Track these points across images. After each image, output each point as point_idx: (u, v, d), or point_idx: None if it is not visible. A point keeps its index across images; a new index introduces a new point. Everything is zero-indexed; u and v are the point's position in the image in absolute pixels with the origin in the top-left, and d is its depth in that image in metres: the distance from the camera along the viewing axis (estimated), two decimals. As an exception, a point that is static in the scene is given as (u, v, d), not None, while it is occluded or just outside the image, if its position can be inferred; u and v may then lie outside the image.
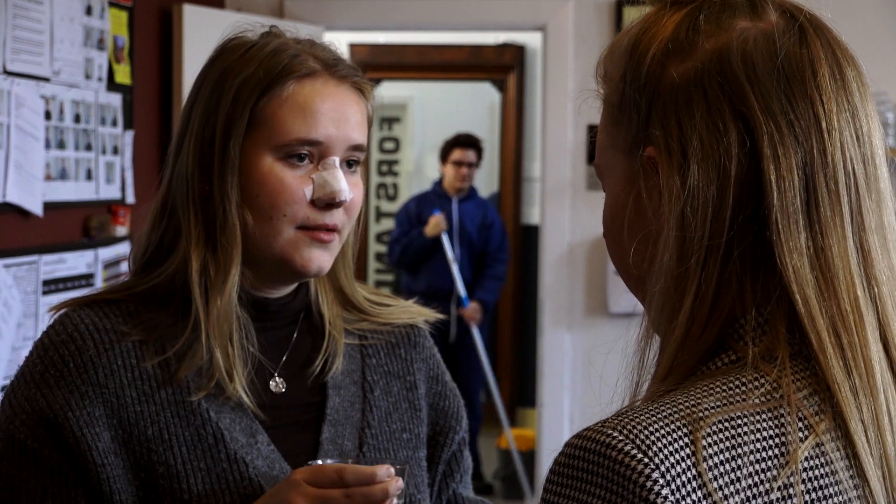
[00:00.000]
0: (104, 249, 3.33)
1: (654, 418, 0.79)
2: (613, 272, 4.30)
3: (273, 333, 1.38)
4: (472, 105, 7.38)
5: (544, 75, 4.45)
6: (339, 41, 6.51)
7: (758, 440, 0.79)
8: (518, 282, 6.90)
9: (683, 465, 0.77)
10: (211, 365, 1.29)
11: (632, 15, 4.21)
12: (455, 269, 5.51)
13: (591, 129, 4.27)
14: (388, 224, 7.61)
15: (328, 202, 1.29)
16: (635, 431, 0.78)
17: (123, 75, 3.46)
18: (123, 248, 3.39)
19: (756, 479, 0.78)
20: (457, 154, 5.69)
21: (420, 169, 7.70)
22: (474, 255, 5.68)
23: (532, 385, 4.83)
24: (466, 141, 5.72)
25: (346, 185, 1.30)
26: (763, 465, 0.79)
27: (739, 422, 0.80)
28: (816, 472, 0.81)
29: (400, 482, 1.20)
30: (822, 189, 0.84)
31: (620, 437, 0.78)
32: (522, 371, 6.61)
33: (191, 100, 1.33)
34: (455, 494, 1.52)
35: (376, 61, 6.95)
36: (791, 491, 0.79)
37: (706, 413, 0.79)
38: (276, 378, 1.37)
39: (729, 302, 0.85)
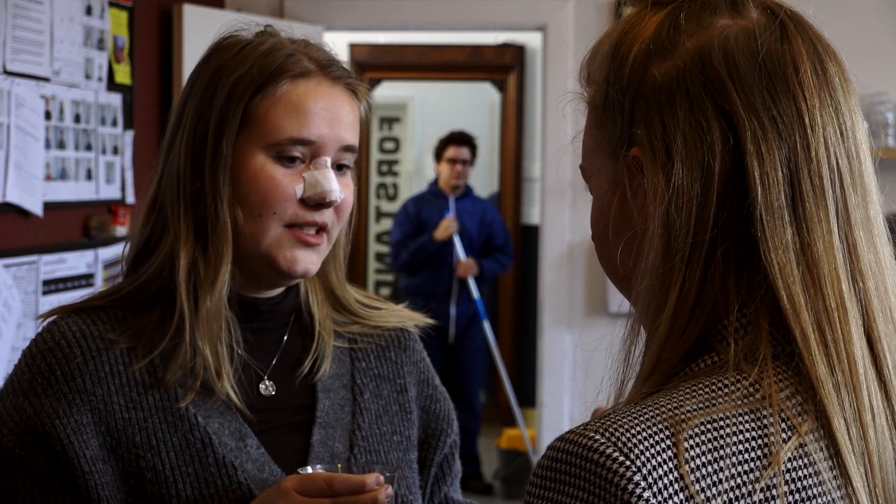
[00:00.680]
0: (104, 249, 3.33)
1: (636, 421, 0.79)
2: (613, 272, 4.30)
3: (263, 335, 1.38)
4: (472, 105, 7.38)
5: (544, 75, 4.45)
6: (339, 41, 6.53)
7: (740, 442, 0.79)
8: (518, 282, 6.90)
9: (665, 467, 0.77)
10: (195, 364, 1.29)
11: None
12: (471, 280, 5.52)
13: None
14: (387, 224, 7.61)
15: (318, 202, 1.29)
16: (617, 434, 0.78)
17: (123, 75, 3.46)
18: (122, 250, 3.39)
19: (738, 480, 0.78)
20: (451, 151, 5.69)
21: (420, 169, 7.70)
22: (474, 253, 5.68)
23: (532, 385, 4.84)
24: (460, 138, 5.73)
25: (337, 185, 1.30)
26: (745, 466, 0.79)
27: (721, 423, 0.80)
28: (799, 472, 0.81)
29: (389, 489, 1.21)
30: (806, 184, 0.84)
31: (602, 441, 0.78)
32: (522, 371, 6.61)
33: (184, 96, 1.33)
34: (447, 498, 1.53)
35: (376, 61, 6.96)
36: (774, 492, 0.79)
37: (688, 415, 0.79)
38: (266, 381, 1.37)
39: (712, 299, 0.85)
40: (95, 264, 3.28)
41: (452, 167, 5.68)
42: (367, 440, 1.39)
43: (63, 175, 3.12)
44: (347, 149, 1.33)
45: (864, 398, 0.83)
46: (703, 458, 0.78)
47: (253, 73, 1.28)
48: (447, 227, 5.51)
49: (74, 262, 3.17)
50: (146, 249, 1.34)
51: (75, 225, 3.25)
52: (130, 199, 3.48)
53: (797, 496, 0.80)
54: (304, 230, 1.30)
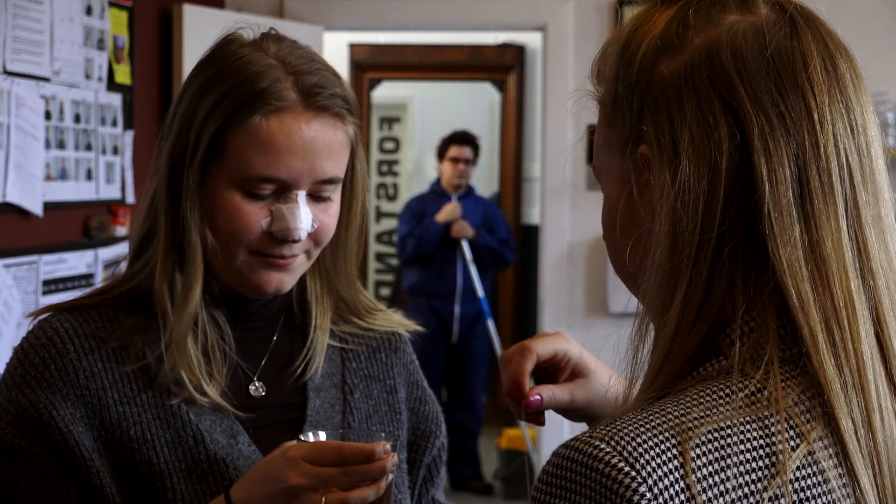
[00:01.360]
0: (104, 249, 3.33)
1: (642, 429, 0.78)
2: (613, 272, 4.30)
3: (253, 334, 1.38)
4: (472, 105, 7.39)
5: (544, 75, 4.45)
6: (339, 41, 6.53)
7: (746, 451, 0.79)
8: (518, 282, 6.90)
9: (671, 477, 0.76)
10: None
11: (631, 15, 4.21)
12: (473, 270, 5.51)
13: (592, 130, 4.27)
14: (388, 224, 7.62)
15: (283, 237, 1.28)
16: (623, 443, 0.77)
17: (123, 75, 3.46)
18: (123, 248, 3.39)
19: (746, 490, 0.78)
20: (453, 151, 5.70)
21: (420, 169, 7.71)
22: (476, 251, 5.67)
23: (532, 385, 4.83)
24: (462, 137, 5.73)
25: (304, 224, 1.28)
26: (752, 475, 0.78)
27: (728, 432, 0.79)
28: (807, 481, 0.80)
29: (395, 458, 1.20)
30: (814, 181, 0.84)
31: (608, 449, 0.77)
32: (522, 371, 6.60)
33: (177, 100, 1.32)
34: (434, 500, 1.53)
35: (376, 61, 6.96)
36: (782, 501, 0.78)
37: (695, 423, 0.78)
38: (256, 382, 1.36)
39: (719, 297, 0.84)
40: (95, 264, 3.28)
41: (455, 166, 5.68)
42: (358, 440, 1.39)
43: (63, 175, 3.12)
44: (326, 181, 1.30)
45: (872, 399, 0.82)
46: (710, 468, 0.77)
47: (228, 101, 1.25)
48: (451, 210, 5.51)
49: (74, 262, 3.17)
50: (142, 247, 1.34)
51: (75, 225, 3.25)
52: (130, 199, 3.48)
53: None
54: (272, 256, 1.30)
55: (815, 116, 0.84)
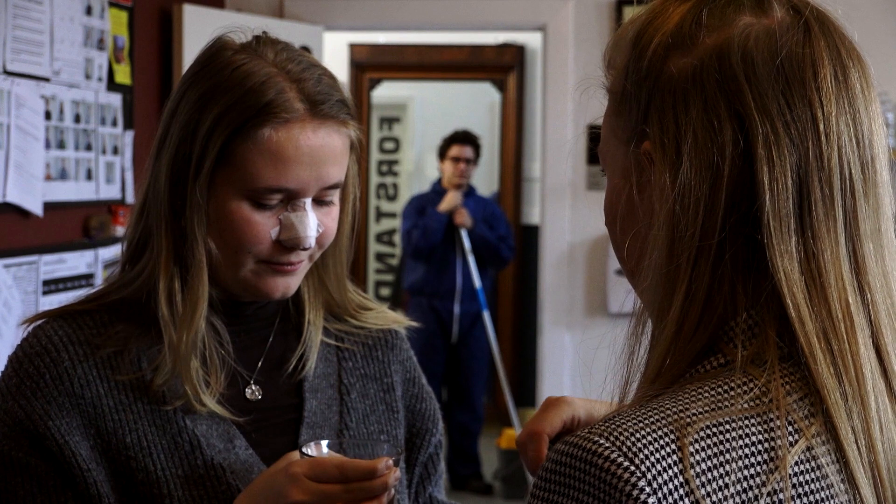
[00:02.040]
0: (104, 249, 3.33)
1: (640, 424, 0.78)
2: (613, 272, 4.31)
3: (248, 337, 1.37)
4: (472, 105, 7.39)
5: (544, 75, 4.45)
6: (339, 41, 6.53)
7: (745, 445, 0.79)
8: (518, 282, 6.90)
9: (670, 472, 0.76)
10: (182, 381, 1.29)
11: (632, 15, 4.20)
12: (472, 260, 5.52)
13: (592, 128, 4.26)
14: (387, 224, 7.62)
15: (292, 245, 1.28)
16: (622, 438, 0.77)
17: (123, 75, 3.46)
18: (120, 250, 3.39)
19: (744, 484, 0.78)
20: (454, 150, 5.70)
21: (420, 169, 7.71)
22: (478, 251, 5.68)
23: (532, 385, 4.84)
24: (464, 137, 5.73)
25: (312, 231, 1.28)
26: (751, 470, 0.78)
27: (727, 427, 0.79)
28: (806, 476, 0.80)
29: (398, 472, 1.20)
30: (815, 193, 0.83)
31: (607, 445, 0.77)
32: (522, 371, 6.62)
33: (171, 111, 1.30)
34: (431, 498, 1.53)
35: (376, 61, 6.95)
36: (780, 496, 0.78)
37: (693, 419, 0.79)
38: (252, 386, 1.36)
39: (721, 303, 0.84)
40: (95, 264, 3.29)
41: (456, 166, 5.69)
42: (355, 440, 1.39)
43: (63, 175, 3.12)
44: (331, 186, 1.31)
45: (871, 409, 0.83)
46: (709, 463, 0.77)
47: (234, 113, 1.24)
48: (452, 198, 5.51)
49: (74, 262, 3.17)
50: (136, 254, 1.34)
51: (75, 225, 3.25)
52: (130, 199, 3.48)
53: (804, 500, 0.80)
54: (279, 264, 1.30)
55: (821, 127, 0.84)
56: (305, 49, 1.36)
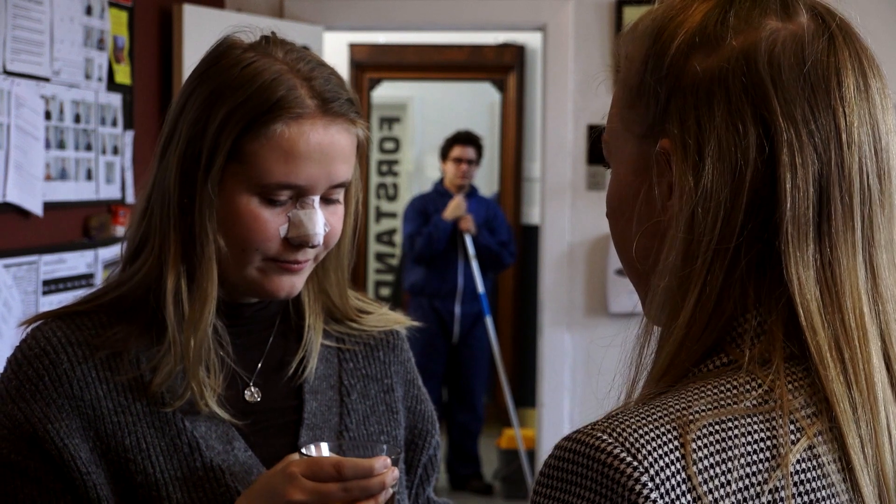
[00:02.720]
0: (104, 249, 3.33)
1: (643, 421, 0.79)
2: (613, 272, 4.31)
3: (248, 339, 1.37)
4: (472, 105, 7.39)
5: (544, 75, 4.45)
6: (339, 41, 6.53)
7: (748, 443, 0.79)
8: (518, 282, 6.90)
9: (673, 468, 0.76)
10: (184, 379, 1.28)
11: (632, 15, 4.21)
12: (475, 266, 5.52)
13: (592, 129, 4.26)
14: (387, 224, 7.62)
15: (301, 243, 1.28)
16: (625, 434, 0.77)
17: (123, 75, 3.46)
18: (119, 250, 3.39)
19: (747, 482, 0.78)
20: (457, 151, 5.70)
21: (420, 169, 7.71)
22: (479, 250, 5.68)
23: (532, 385, 4.84)
24: (466, 138, 5.74)
25: (321, 229, 1.28)
26: (753, 468, 0.78)
27: (730, 424, 0.79)
28: (807, 475, 0.80)
29: (396, 472, 1.20)
30: (836, 202, 0.83)
31: (610, 440, 0.77)
32: (522, 371, 6.62)
33: (177, 110, 1.30)
34: (429, 499, 1.53)
35: (376, 61, 6.96)
36: (781, 494, 0.79)
37: (696, 416, 0.79)
38: (252, 388, 1.36)
39: (731, 306, 0.84)
40: (95, 264, 3.29)
41: (458, 166, 5.69)
42: (356, 441, 1.39)
43: (63, 175, 3.12)
44: (339, 185, 1.31)
45: (881, 419, 0.83)
46: (711, 459, 0.78)
47: (245, 108, 1.24)
48: (456, 206, 5.51)
49: (74, 262, 3.17)
50: (136, 254, 1.33)
51: (75, 225, 3.25)
52: (130, 199, 3.48)
53: (805, 498, 0.80)
54: (286, 262, 1.30)
55: (844, 137, 0.84)
56: (305, 49, 1.36)
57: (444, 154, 5.75)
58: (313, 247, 1.29)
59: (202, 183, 1.26)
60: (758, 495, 0.78)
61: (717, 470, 0.77)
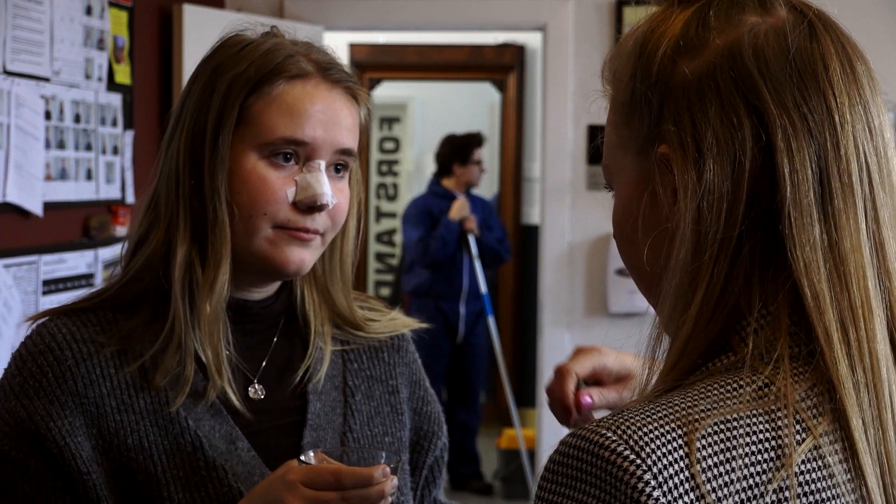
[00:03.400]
0: (104, 249, 3.33)
1: (648, 419, 0.79)
2: (613, 272, 4.30)
3: (252, 337, 1.37)
4: (472, 105, 7.38)
5: (544, 75, 4.45)
6: (339, 41, 6.53)
7: (752, 443, 0.79)
8: (518, 282, 6.90)
9: (677, 466, 0.77)
10: (185, 367, 1.28)
11: (632, 15, 4.21)
12: (478, 265, 5.53)
13: (592, 130, 4.27)
14: (388, 224, 7.62)
15: (310, 205, 1.28)
16: (629, 432, 0.78)
17: (123, 75, 3.46)
18: (120, 249, 3.39)
19: (751, 481, 0.78)
20: (476, 154, 5.74)
21: (420, 169, 7.70)
22: (480, 249, 5.69)
23: (532, 385, 4.83)
24: (481, 139, 5.80)
25: (329, 189, 1.29)
26: (758, 467, 0.79)
27: (734, 424, 0.79)
28: (812, 475, 0.80)
29: (395, 480, 1.20)
30: (835, 182, 0.84)
31: (614, 438, 0.78)
32: (522, 371, 6.62)
33: (184, 94, 1.32)
34: (436, 501, 1.53)
35: (376, 61, 6.95)
36: (786, 494, 0.79)
37: (702, 415, 0.79)
38: (255, 385, 1.36)
39: (735, 295, 0.85)
40: (95, 264, 3.28)
41: (479, 167, 5.75)
42: (359, 442, 1.39)
43: (63, 175, 3.12)
44: (344, 152, 1.32)
45: (885, 398, 0.83)
46: (715, 459, 0.78)
47: (250, 72, 1.27)
48: (461, 206, 5.52)
49: (74, 262, 3.17)
50: (138, 248, 1.33)
51: (75, 225, 3.25)
52: (130, 199, 3.48)
53: (810, 498, 0.80)
54: (296, 230, 1.29)
55: (836, 118, 0.85)
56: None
57: (465, 157, 5.72)
58: (321, 208, 1.29)
59: (211, 147, 1.27)
60: (762, 495, 0.78)
61: (721, 469, 0.78)
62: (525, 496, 5.40)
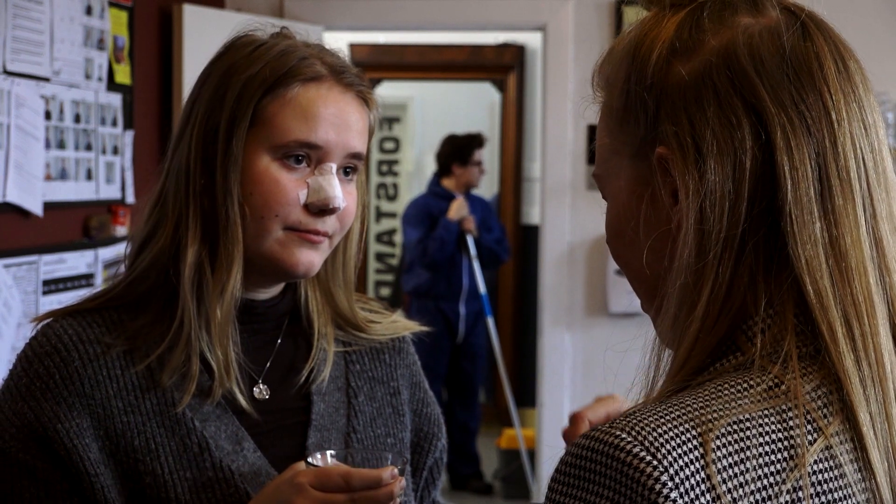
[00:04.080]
0: (104, 249, 3.33)
1: (663, 420, 0.79)
2: (613, 272, 4.30)
3: (257, 337, 1.37)
4: (472, 105, 7.38)
5: (544, 75, 4.45)
6: (339, 41, 6.52)
7: (765, 443, 0.79)
8: (518, 282, 6.90)
9: (693, 467, 0.76)
10: (191, 367, 1.28)
11: (631, 15, 4.21)
12: (476, 266, 5.54)
13: (592, 130, 4.26)
14: (387, 224, 7.62)
15: (321, 208, 1.29)
16: (644, 433, 0.77)
17: (123, 75, 3.46)
18: (123, 248, 3.39)
19: (765, 481, 0.78)
20: (477, 154, 5.75)
21: (420, 169, 7.70)
22: (479, 249, 5.69)
23: (532, 385, 4.83)
24: (481, 140, 5.80)
25: (340, 192, 1.29)
26: (771, 467, 0.79)
27: (747, 424, 0.79)
28: (824, 475, 0.81)
29: (403, 482, 1.20)
30: (834, 179, 0.85)
31: (629, 439, 0.77)
32: (522, 371, 6.62)
33: (194, 94, 1.32)
34: (434, 502, 1.53)
35: (376, 61, 6.95)
36: (800, 494, 0.79)
37: (715, 415, 0.79)
38: (260, 385, 1.36)
39: (741, 294, 0.85)
40: (95, 264, 3.28)
41: (480, 167, 5.75)
42: (362, 443, 1.39)
43: (63, 175, 3.12)
44: (354, 156, 1.32)
45: (890, 393, 0.84)
46: (730, 459, 0.78)
47: (265, 74, 1.28)
48: (460, 206, 5.53)
49: (74, 262, 3.17)
50: (144, 248, 1.33)
51: (75, 225, 3.25)
52: (130, 199, 3.48)
53: (823, 498, 0.80)
54: (306, 232, 1.30)
55: (833, 115, 0.86)
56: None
57: (465, 158, 5.73)
58: (333, 211, 1.29)
59: (224, 148, 1.27)
60: (776, 495, 0.78)
61: (736, 469, 0.78)
62: (525, 496, 5.40)
